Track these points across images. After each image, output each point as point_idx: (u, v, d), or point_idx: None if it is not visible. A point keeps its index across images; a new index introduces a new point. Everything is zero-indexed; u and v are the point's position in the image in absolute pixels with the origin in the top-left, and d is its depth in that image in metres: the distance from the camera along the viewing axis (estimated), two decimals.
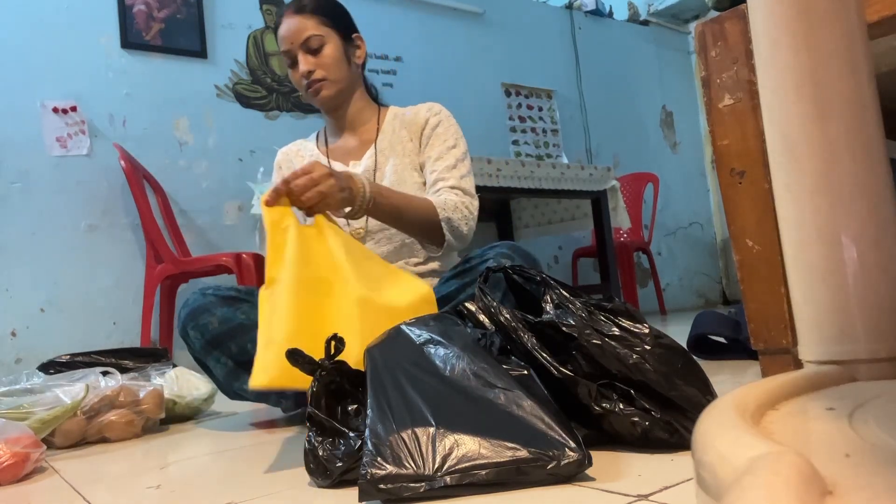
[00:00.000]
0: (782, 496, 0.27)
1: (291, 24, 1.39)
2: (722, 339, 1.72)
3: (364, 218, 1.39)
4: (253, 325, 1.24)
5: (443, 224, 1.31)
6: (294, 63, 1.41)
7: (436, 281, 1.36)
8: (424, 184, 1.43)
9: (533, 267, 1.21)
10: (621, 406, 0.80)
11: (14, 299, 2.70)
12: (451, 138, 1.44)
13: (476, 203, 1.39)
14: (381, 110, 1.52)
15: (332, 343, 0.89)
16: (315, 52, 1.40)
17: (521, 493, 0.69)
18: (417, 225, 1.30)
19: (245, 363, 1.25)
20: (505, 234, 3.87)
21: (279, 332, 0.96)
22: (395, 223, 1.30)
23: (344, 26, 1.45)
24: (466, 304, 0.99)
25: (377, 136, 1.47)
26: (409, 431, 0.73)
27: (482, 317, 0.96)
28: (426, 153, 1.43)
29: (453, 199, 1.34)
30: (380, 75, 3.70)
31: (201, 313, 1.26)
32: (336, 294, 1.03)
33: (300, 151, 1.55)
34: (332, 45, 1.41)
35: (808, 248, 0.53)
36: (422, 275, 1.40)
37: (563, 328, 0.84)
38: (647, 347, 0.81)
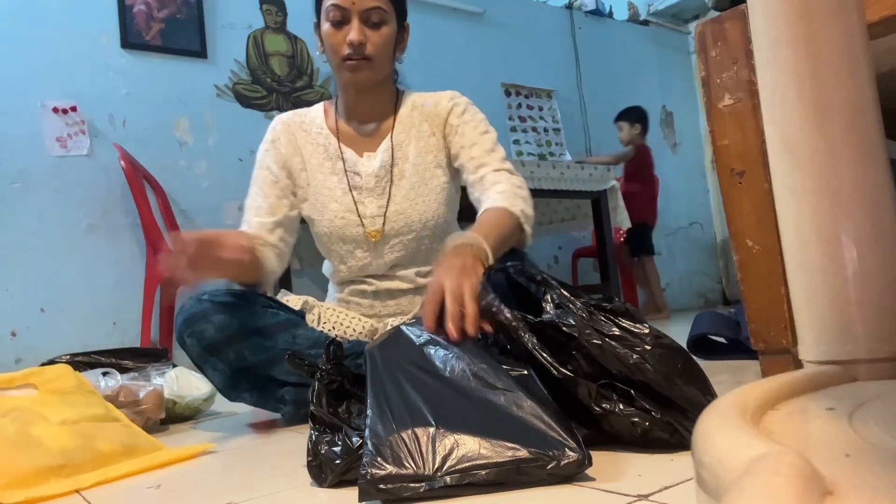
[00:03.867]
0: (782, 496, 0.27)
1: None
2: (722, 339, 1.72)
3: (381, 221, 1.33)
4: (250, 332, 1.23)
5: (521, 220, 1.21)
6: (341, 23, 1.27)
7: None
8: (447, 183, 1.37)
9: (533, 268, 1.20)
10: (621, 406, 0.80)
11: (14, 299, 2.70)
12: (480, 123, 1.37)
13: (522, 178, 1.31)
14: (399, 95, 1.42)
15: (331, 347, 0.90)
16: (373, 26, 1.28)
17: (520, 493, 0.69)
18: (511, 242, 1.20)
19: (243, 369, 1.24)
20: None
21: None
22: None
23: (403, 11, 1.35)
24: None
25: (393, 126, 1.39)
26: (410, 431, 0.73)
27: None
28: (457, 142, 1.36)
29: (508, 187, 1.25)
30: None
31: (197, 320, 1.22)
32: None
33: (304, 125, 1.41)
34: (389, 27, 1.30)
35: (808, 248, 0.53)
36: None
37: (564, 328, 0.84)
38: (648, 347, 0.81)
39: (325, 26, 1.29)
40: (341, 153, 1.37)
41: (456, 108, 1.38)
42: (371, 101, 1.38)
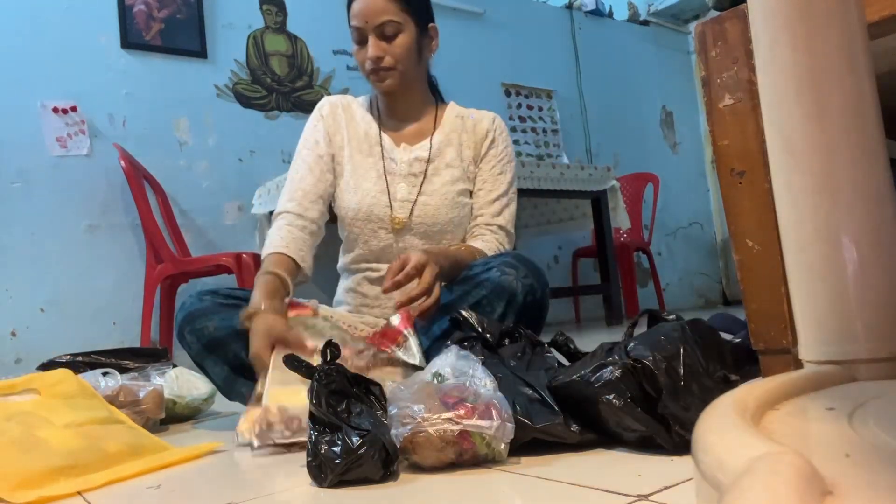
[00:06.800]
0: (782, 496, 0.27)
1: (370, 3, 1.33)
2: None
3: (409, 207, 1.38)
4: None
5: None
6: (362, 41, 1.35)
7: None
8: (468, 193, 1.44)
9: (538, 278, 1.21)
10: (623, 411, 0.80)
11: (14, 299, 2.70)
12: (499, 164, 1.45)
13: (510, 239, 1.42)
14: (440, 106, 1.49)
15: (329, 350, 0.90)
16: (389, 38, 1.34)
17: (519, 493, 0.69)
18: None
19: (242, 368, 1.25)
20: None
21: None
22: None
23: (423, 15, 1.39)
24: (462, 312, 1.05)
25: (434, 129, 1.44)
26: None
27: (475, 323, 0.98)
28: (481, 174, 1.45)
29: (492, 241, 1.38)
30: None
31: (197, 317, 1.23)
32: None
33: (350, 107, 1.48)
34: (407, 35, 1.35)
35: (808, 248, 0.53)
36: None
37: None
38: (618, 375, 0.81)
39: (353, 45, 1.38)
40: (380, 139, 1.43)
41: (490, 136, 1.46)
42: (405, 102, 1.44)
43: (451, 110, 1.48)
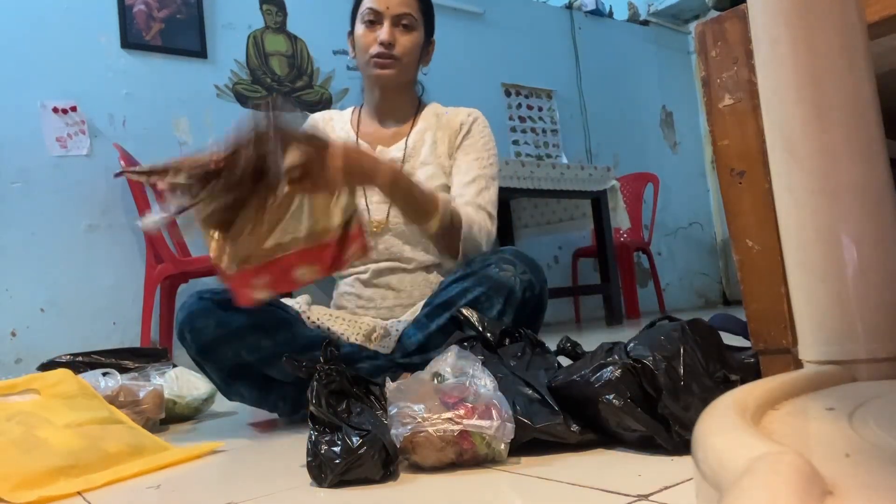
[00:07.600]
0: (782, 496, 0.27)
1: None
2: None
3: (385, 212, 1.38)
4: (249, 330, 1.23)
5: (463, 231, 1.27)
6: (374, 24, 1.38)
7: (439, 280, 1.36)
8: (446, 188, 1.42)
9: (537, 274, 1.21)
10: (623, 411, 0.80)
11: (14, 299, 2.70)
12: (473, 151, 1.43)
13: (491, 222, 1.36)
14: (420, 106, 1.52)
15: (328, 348, 0.90)
16: (403, 29, 1.39)
17: (519, 493, 0.69)
18: (422, 214, 1.23)
19: (241, 367, 1.25)
20: (505, 235, 3.87)
21: None
22: (416, 215, 1.22)
23: (431, 27, 1.48)
24: (462, 311, 1.05)
25: (411, 130, 1.46)
26: None
27: (476, 322, 0.98)
28: (456, 163, 1.43)
29: (471, 213, 1.32)
30: None
31: (197, 317, 1.23)
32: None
33: (331, 121, 1.52)
34: (418, 34, 1.42)
35: (808, 248, 0.53)
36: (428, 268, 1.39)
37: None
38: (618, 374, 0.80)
39: (359, 28, 1.41)
40: (357, 146, 1.44)
41: (464, 128, 1.45)
42: (393, 101, 1.47)
43: (430, 109, 1.50)
